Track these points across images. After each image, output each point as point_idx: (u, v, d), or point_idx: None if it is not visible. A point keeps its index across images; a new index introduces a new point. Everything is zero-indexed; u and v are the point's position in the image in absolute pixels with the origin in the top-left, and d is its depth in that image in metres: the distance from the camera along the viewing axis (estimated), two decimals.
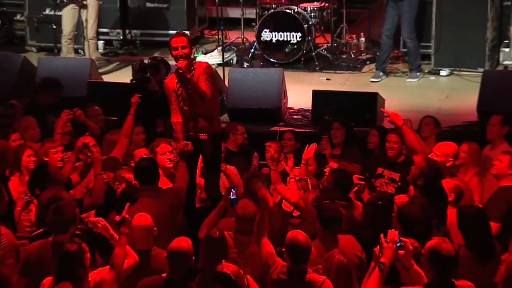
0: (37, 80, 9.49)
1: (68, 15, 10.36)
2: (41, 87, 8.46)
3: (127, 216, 5.04)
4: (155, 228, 5.31)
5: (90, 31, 10.44)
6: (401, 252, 4.66)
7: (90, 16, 10.37)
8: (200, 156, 6.59)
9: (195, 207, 6.53)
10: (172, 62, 9.14)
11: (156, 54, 10.11)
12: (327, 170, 6.56)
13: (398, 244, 4.65)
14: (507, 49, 9.94)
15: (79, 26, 10.62)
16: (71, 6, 10.29)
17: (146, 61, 9.01)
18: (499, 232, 5.77)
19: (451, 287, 4.59)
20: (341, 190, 5.96)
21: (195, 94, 6.27)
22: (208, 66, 6.41)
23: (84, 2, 10.29)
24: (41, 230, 5.64)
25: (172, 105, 6.34)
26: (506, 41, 10.01)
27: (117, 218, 5.04)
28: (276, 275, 4.92)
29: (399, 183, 6.73)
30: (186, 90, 6.30)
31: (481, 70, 9.51)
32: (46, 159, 6.94)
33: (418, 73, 10.13)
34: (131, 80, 8.77)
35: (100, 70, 10.43)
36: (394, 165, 6.84)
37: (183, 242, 4.99)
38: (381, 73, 10.18)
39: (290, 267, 4.89)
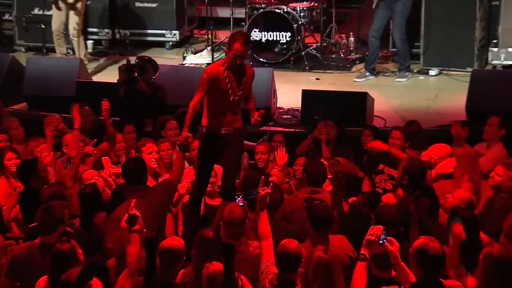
0: (26, 79, 9.53)
1: (55, 11, 10.45)
2: None
3: (135, 213, 4.95)
4: (145, 230, 5.19)
5: (70, 26, 10.45)
6: (390, 248, 4.67)
7: (75, 13, 10.40)
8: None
9: (200, 204, 6.47)
10: (160, 61, 9.21)
11: (145, 54, 10.11)
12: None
13: (381, 241, 4.64)
14: (495, 49, 9.97)
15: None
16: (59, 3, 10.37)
17: (133, 61, 9.00)
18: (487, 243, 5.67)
19: (439, 287, 4.60)
20: (311, 181, 5.95)
21: (242, 90, 6.27)
22: (254, 72, 6.50)
23: (70, 1, 10.30)
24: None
25: (202, 91, 6.20)
26: (495, 41, 10.04)
27: (125, 217, 4.97)
28: (266, 283, 4.88)
29: None
30: (234, 82, 6.25)
31: (470, 69, 9.54)
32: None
33: (407, 73, 10.15)
34: (118, 81, 8.76)
35: (89, 70, 10.42)
36: (394, 162, 6.80)
37: (174, 241, 4.97)
38: (367, 73, 10.20)
39: (279, 275, 4.84)
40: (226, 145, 6.45)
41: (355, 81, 10.16)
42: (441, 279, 4.62)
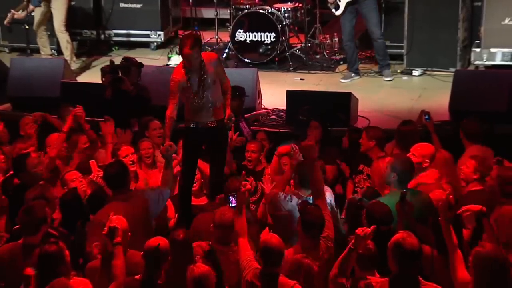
0: (10, 80, 9.51)
1: (37, 11, 10.57)
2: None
3: (115, 225, 5.02)
4: (130, 233, 5.24)
5: (55, 22, 10.52)
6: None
7: (57, 8, 10.48)
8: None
9: (190, 203, 6.52)
10: (145, 62, 9.21)
11: (129, 54, 10.13)
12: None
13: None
14: (478, 49, 10.03)
15: (52, 24, 10.71)
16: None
17: (117, 62, 9.00)
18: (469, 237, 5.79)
19: (415, 281, 4.66)
20: (301, 181, 5.96)
21: (210, 84, 6.33)
22: (219, 57, 6.60)
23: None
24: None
25: (173, 99, 6.32)
26: (477, 41, 10.11)
27: (104, 231, 5.02)
28: (250, 278, 4.96)
29: None
30: (198, 80, 6.33)
31: (453, 70, 9.58)
32: None
33: (389, 70, 10.23)
34: (103, 82, 8.76)
35: (73, 70, 10.41)
36: (372, 161, 6.81)
37: (159, 241, 4.98)
38: (352, 74, 10.25)
39: (262, 269, 4.93)
40: (212, 140, 6.50)
41: (341, 81, 10.21)
42: (420, 278, 4.68)
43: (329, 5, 10.03)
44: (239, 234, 5.21)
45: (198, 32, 11.04)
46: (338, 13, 10.00)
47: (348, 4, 9.87)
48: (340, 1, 9.91)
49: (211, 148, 6.60)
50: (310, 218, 5.35)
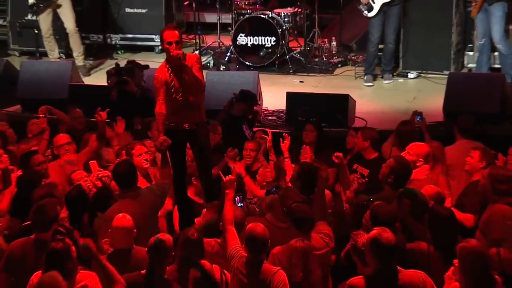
0: (19, 82, 9.69)
1: (41, 16, 10.70)
2: (237, 100, 8.22)
3: (85, 243, 5.13)
4: (135, 230, 5.39)
5: (69, 24, 10.71)
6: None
7: (65, 12, 10.66)
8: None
9: (187, 197, 6.64)
10: (150, 65, 9.43)
11: (134, 58, 10.29)
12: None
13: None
14: (471, 53, 10.21)
15: (60, 28, 10.89)
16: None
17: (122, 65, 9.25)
18: (475, 223, 5.97)
19: (394, 275, 4.72)
20: (303, 183, 6.01)
21: (190, 83, 6.41)
22: (199, 57, 6.64)
23: (58, 3, 10.58)
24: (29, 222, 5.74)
25: (159, 96, 6.44)
26: (470, 45, 10.28)
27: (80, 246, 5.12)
28: (237, 266, 5.09)
29: (366, 179, 6.94)
30: (180, 79, 6.44)
31: (447, 72, 9.72)
32: None
33: (391, 75, 10.39)
34: (108, 84, 8.98)
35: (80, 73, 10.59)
36: (365, 161, 7.08)
37: (163, 237, 5.08)
38: (371, 77, 10.32)
39: (248, 257, 5.06)
40: (192, 142, 6.58)
41: (367, 85, 10.20)
42: (399, 267, 4.77)
43: (360, 6, 10.01)
44: (227, 221, 5.26)
45: (200, 36, 11.37)
46: (371, 14, 10.00)
47: (383, 5, 9.92)
48: (374, 2, 9.95)
49: (193, 150, 6.67)
50: (301, 215, 5.40)
